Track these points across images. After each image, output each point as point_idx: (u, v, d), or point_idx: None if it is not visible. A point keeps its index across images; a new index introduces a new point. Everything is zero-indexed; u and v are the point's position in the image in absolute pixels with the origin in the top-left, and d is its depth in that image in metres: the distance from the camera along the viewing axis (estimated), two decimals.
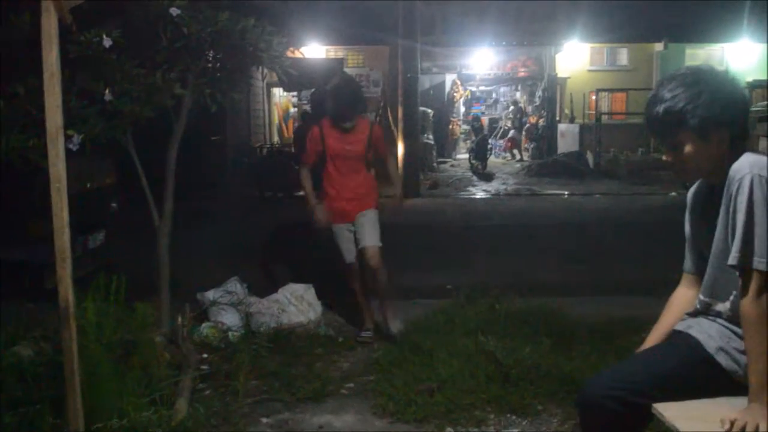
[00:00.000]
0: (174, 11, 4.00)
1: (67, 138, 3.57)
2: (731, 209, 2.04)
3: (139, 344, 3.73)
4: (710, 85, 2.12)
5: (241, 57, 4.40)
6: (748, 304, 2.01)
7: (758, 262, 1.98)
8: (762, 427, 1.91)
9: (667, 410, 2.08)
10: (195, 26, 4.06)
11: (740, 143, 2.14)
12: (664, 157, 2.26)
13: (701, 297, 2.29)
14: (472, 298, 5.43)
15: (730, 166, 2.08)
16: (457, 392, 3.85)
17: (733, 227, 2.03)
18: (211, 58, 4.41)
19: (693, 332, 2.24)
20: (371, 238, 4.89)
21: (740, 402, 2.04)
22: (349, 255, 4.99)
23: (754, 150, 2.22)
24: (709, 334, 2.20)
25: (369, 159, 5.11)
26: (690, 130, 2.13)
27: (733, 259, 2.02)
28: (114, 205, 6.36)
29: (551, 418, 3.70)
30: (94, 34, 3.75)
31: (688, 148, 2.16)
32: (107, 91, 3.81)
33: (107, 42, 3.76)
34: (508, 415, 3.72)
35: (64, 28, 2.73)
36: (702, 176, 2.28)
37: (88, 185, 5.86)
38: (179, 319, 4.47)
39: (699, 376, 2.17)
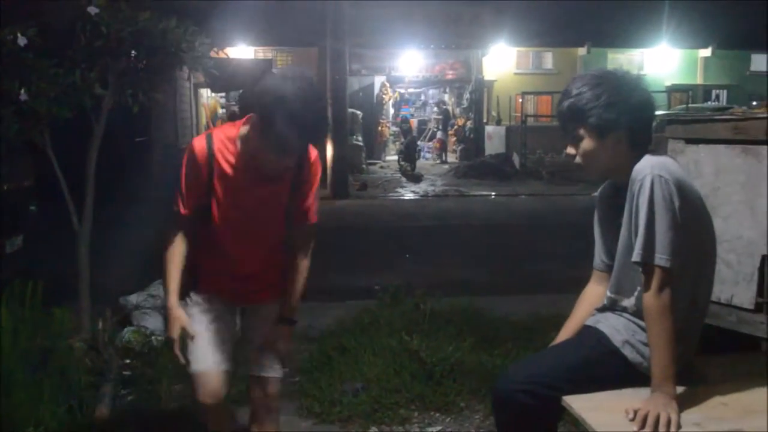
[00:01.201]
0: (92, 10, 3.92)
1: None
2: (634, 208, 2.13)
3: (56, 350, 3.65)
4: (612, 89, 2.22)
5: (163, 57, 4.34)
6: (650, 298, 2.09)
7: (659, 259, 2.07)
8: (663, 415, 2.01)
9: (576, 402, 2.16)
10: (114, 25, 3.99)
11: (642, 145, 2.24)
12: (567, 150, 2.35)
13: (608, 293, 2.38)
14: (397, 298, 5.47)
15: (633, 167, 2.17)
16: (381, 391, 3.89)
17: (635, 226, 2.12)
18: (132, 58, 4.34)
19: (601, 327, 2.33)
20: (275, 362, 2.65)
21: (645, 392, 2.12)
22: (203, 358, 2.54)
23: (661, 152, 2.33)
24: (616, 328, 2.30)
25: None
26: (588, 127, 2.24)
27: (636, 256, 2.11)
28: (32, 208, 6.17)
29: (473, 415, 3.77)
30: (8, 32, 3.66)
31: (585, 144, 2.27)
32: (22, 91, 3.73)
33: (22, 40, 3.68)
34: (432, 413, 3.78)
35: None
36: (600, 173, 2.38)
37: (5, 187, 5.69)
38: (100, 324, 4.38)
39: (607, 368, 2.25)
